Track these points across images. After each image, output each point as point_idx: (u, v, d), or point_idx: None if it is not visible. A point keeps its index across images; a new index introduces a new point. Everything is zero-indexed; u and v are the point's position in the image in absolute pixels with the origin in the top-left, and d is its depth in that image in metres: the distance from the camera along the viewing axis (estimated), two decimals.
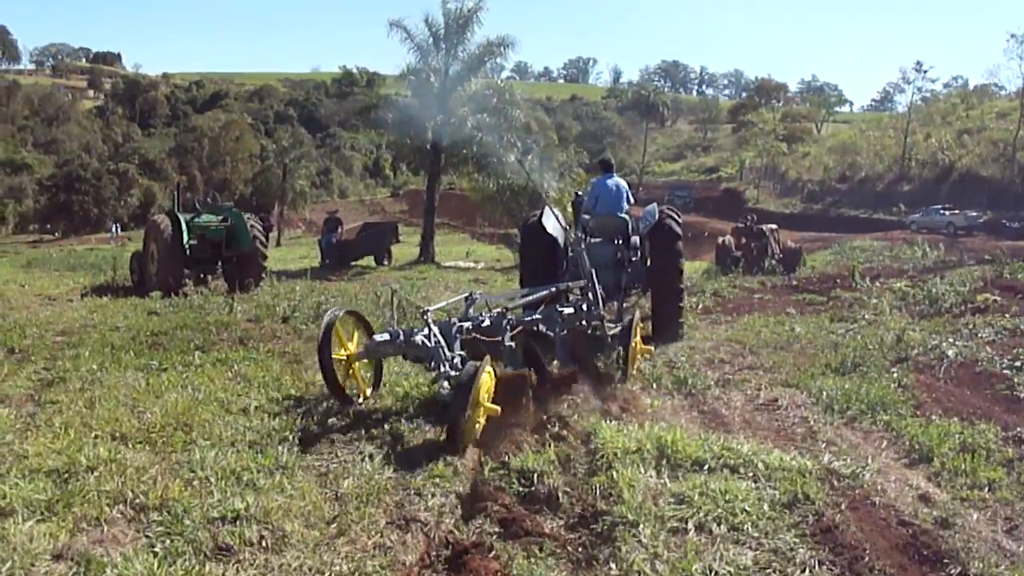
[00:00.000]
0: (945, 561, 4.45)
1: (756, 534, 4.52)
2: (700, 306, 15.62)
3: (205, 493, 4.73)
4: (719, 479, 5.22)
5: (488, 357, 6.32)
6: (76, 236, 56.07)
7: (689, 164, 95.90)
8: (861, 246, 31.11)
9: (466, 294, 7.95)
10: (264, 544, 4.21)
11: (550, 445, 6.00)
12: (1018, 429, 6.65)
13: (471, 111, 29.84)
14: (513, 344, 7.41)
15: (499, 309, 7.76)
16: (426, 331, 6.75)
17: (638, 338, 8.94)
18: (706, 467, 5.45)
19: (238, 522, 4.39)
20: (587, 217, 11.06)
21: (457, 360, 6.65)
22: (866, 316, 13.32)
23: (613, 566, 4.23)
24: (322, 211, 52.64)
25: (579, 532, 4.72)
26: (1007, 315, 11.97)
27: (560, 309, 8.34)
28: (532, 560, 4.34)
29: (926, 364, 9.24)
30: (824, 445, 6.38)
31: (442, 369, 6.46)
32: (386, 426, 6.17)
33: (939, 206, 44.80)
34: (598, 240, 11.46)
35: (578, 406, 7.17)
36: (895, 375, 8.66)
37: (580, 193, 11.64)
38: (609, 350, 8.78)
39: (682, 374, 8.90)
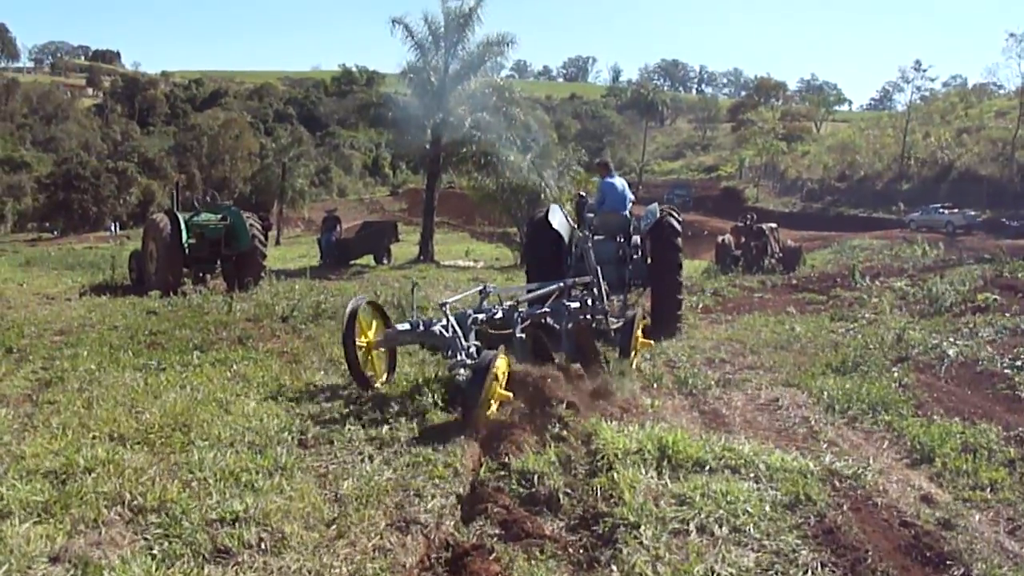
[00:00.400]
0: (948, 562, 4.42)
1: (758, 535, 4.50)
2: (700, 305, 15.61)
3: (204, 494, 4.70)
4: (720, 480, 5.20)
5: (503, 346, 6.94)
6: (75, 235, 56.01)
7: (688, 163, 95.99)
8: (861, 245, 31.13)
9: (480, 287, 8.47)
10: (263, 546, 4.18)
11: (550, 446, 5.99)
12: (1020, 429, 6.63)
13: (471, 110, 29.81)
14: (523, 336, 7.92)
15: (510, 302, 8.28)
16: (444, 322, 7.31)
17: (639, 332, 9.22)
18: (707, 468, 5.43)
19: (237, 524, 4.36)
20: (591, 215, 11.33)
21: (473, 349, 7.20)
22: (866, 315, 13.31)
23: (614, 568, 4.20)
24: (321, 210, 52.58)
25: (580, 534, 4.70)
26: (1007, 314, 11.95)
27: (567, 303, 8.82)
28: (533, 562, 4.32)
29: (927, 363, 9.22)
30: (825, 445, 6.36)
31: (459, 357, 7.00)
32: (386, 427, 6.14)
33: (938, 205, 44.83)
34: (601, 237, 11.74)
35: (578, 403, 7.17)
36: (896, 375, 8.64)
37: (583, 194, 11.93)
38: (612, 343, 9.19)
39: (683, 374, 8.89)
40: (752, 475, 5.34)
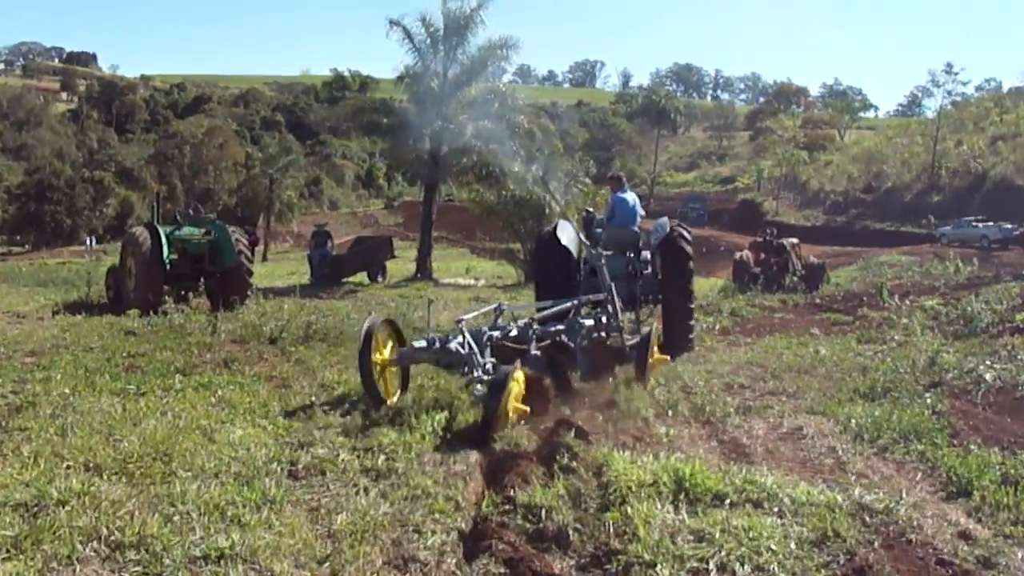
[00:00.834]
0: None
1: (783, 575, 4.47)
2: (717, 327, 15.61)
3: (186, 529, 4.69)
4: (741, 515, 5.18)
5: (519, 361, 7.60)
6: (47, 249, 56.19)
7: (703, 174, 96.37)
8: (888, 261, 31.15)
9: (494, 305, 9.10)
10: None
11: (559, 478, 5.96)
12: None
13: (471, 117, 29.93)
14: (539, 353, 8.54)
15: (524, 320, 8.92)
16: (460, 339, 7.84)
17: (655, 349, 9.78)
18: (727, 502, 5.41)
19: (222, 562, 4.34)
20: (600, 231, 11.60)
21: (489, 366, 7.76)
22: (896, 337, 13.29)
23: None
24: (311, 224, 52.71)
25: (591, 573, 4.68)
26: None
27: (581, 321, 9.44)
28: None
29: (962, 389, 9.20)
30: (854, 477, 6.33)
31: (476, 374, 7.58)
32: (382, 457, 6.13)
33: (972, 218, 44.81)
34: (610, 253, 12.03)
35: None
36: (929, 401, 8.61)
37: (590, 209, 12.26)
38: (627, 360, 9.58)
39: (700, 400, 8.88)
40: (776, 509, 5.32)
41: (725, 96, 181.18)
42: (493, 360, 7.95)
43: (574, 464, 6.32)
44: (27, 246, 59.78)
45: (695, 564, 4.56)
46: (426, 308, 10.01)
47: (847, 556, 4.72)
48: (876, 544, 4.95)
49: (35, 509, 4.89)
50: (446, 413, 7.33)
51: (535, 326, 8.82)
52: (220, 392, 8.20)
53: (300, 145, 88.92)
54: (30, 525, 4.66)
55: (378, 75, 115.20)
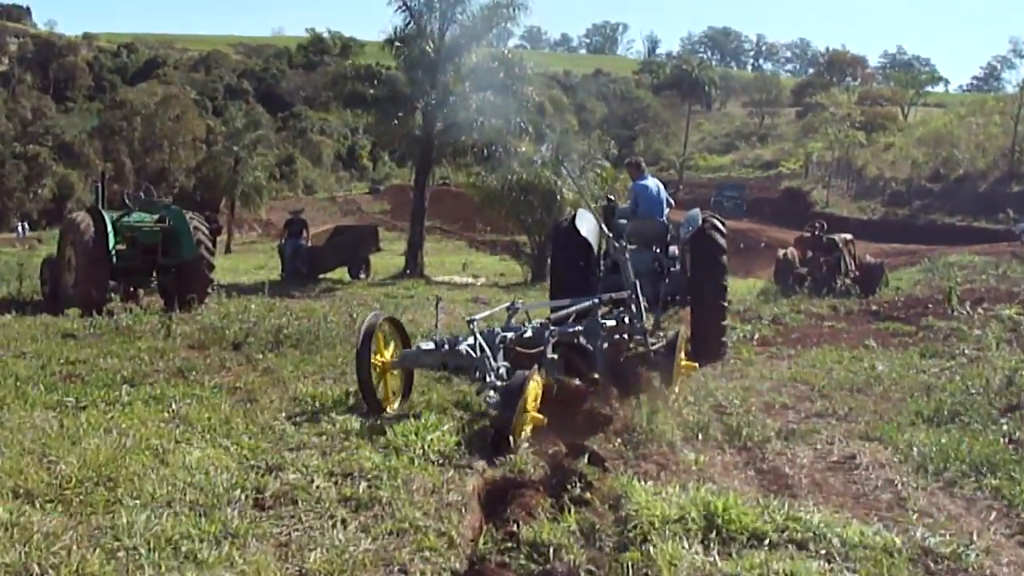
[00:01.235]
0: None
1: None
2: (756, 336, 15.61)
3: (133, 567, 4.69)
4: (783, 558, 5.17)
5: (536, 366, 7.92)
6: None
7: (742, 157, 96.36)
8: (959, 262, 31.04)
9: (507, 303, 9.53)
10: None
11: (569, 511, 5.96)
12: None
13: (472, 88, 29.94)
14: (555, 356, 8.82)
15: (541, 320, 9.43)
16: (471, 340, 8.17)
17: (682, 355, 10.19)
18: (766, 542, 5.41)
19: None
20: (623, 222, 11.82)
21: (503, 370, 8.06)
22: (966, 351, 13.26)
23: None
24: (283, 210, 52.77)
25: None
26: None
27: (602, 321, 9.70)
28: None
29: None
30: (916, 516, 6.32)
31: (488, 379, 7.82)
32: (363, 484, 6.13)
33: None
34: (634, 247, 12.17)
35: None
36: (1005, 427, 8.59)
37: (611, 197, 12.49)
38: (651, 366, 9.92)
39: (735, 422, 8.86)
40: (823, 552, 5.31)
41: (768, 66, 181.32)
42: (507, 364, 8.26)
43: (588, 495, 6.32)
44: None
45: None
46: (435, 308, 10.36)
47: None
48: None
49: None
50: (438, 433, 7.33)
51: (552, 327, 9.13)
52: (174, 406, 8.20)
53: (270, 118, 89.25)
54: None
55: (362, 37, 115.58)
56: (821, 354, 13.52)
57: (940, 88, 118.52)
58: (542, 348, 8.73)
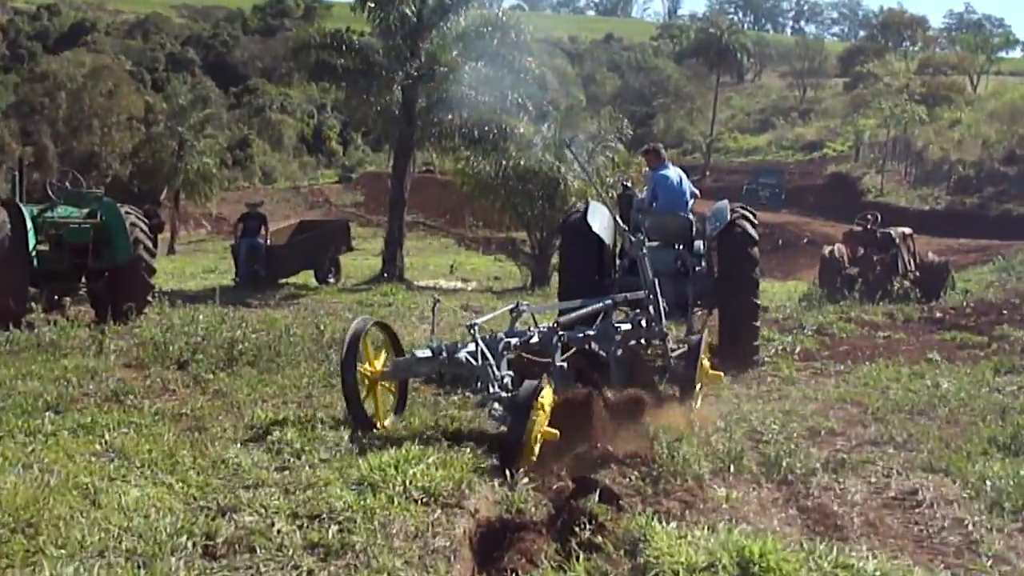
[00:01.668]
0: None
1: None
2: (798, 349, 15.61)
3: None
4: None
5: (546, 375, 8.35)
6: None
7: (780, 137, 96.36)
8: None
9: (511, 306, 9.83)
10: None
11: (578, 558, 5.96)
12: None
13: (460, 57, 29.92)
14: (565, 365, 9.33)
15: (548, 324, 9.77)
16: (472, 347, 8.56)
17: (706, 362, 10.56)
18: None
19: None
20: (640, 216, 12.11)
21: (507, 380, 8.46)
22: None
23: None
24: (237, 202, 52.75)
25: None
26: None
27: (616, 325, 10.25)
28: None
29: None
30: (990, 562, 6.33)
31: (491, 390, 8.25)
32: (334, 527, 6.13)
33: None
34: (655, 244, 12.72)
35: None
36: None
37: (628, 184, 12.75)
38: (672, 376, 10.59)
39: (773, 451, 8.85)
40: None
41: (811, 29, 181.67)
42: (511, 373, 8.63)
43: (599, 538, 6.32)
44: None
45: None
46: (432, 310, 10.48)
47: None
48: None
49: None
50: (422, 466, 7.32)
51: (560, 332, 9.56)
52: (107, 437, 8.20)
53: (221, 93, 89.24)
54: None
55: None
56: (875, 370, 13.51)
57: (1016, 53, 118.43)
58: (551, 355, 9.21)
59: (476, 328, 8.62)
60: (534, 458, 7.68)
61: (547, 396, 7.89)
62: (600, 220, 13.25)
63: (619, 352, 10.13)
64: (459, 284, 31.14)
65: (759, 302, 13.91)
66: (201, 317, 15.44)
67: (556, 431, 7.76)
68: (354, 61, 30.38)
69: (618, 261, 13.86)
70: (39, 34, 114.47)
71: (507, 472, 7.34)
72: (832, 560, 5.79)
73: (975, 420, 10.25)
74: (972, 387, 12.08)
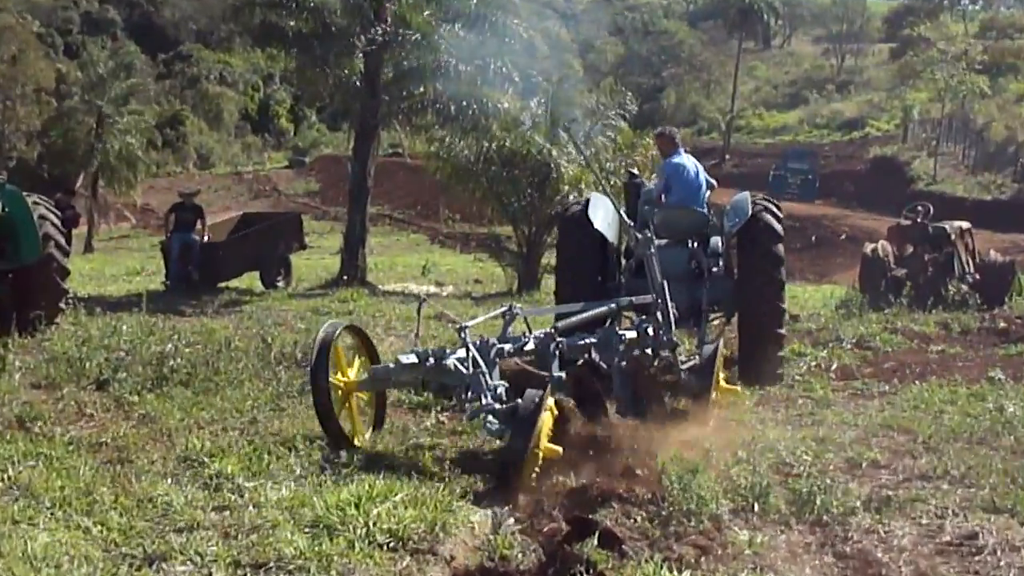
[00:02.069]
0: None
1: None
2: (835, 365, 15.63)
3: None
4: None
5: (550, 386, 8.67)
6: None
7: (813, 114, 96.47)
8: None
9: (504, 308, 10.25)
10: None
11: None
12: None
13: (433, 19, 29.90)
14: (563, 375, 9.56)
15: (545, 330, 10.20)
16: (463, 352, 8.90)
17: (721, 375, 11.00)
18: None
19: None
20: (648, 208, 12.83)
21: (501, 390, 8.75)
22: None
23: None
24: (168, 191, 52.67)
25: None
26: None
27: (621, 332, 10.54)
28: None
29: None
30: None
31: (483, 401, 8.54)
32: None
33: None
34: (664, 242, 12.98)
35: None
36: None
37: (635, 172, 12.87)
38: (683, 389, 10.69)
39: (805, 486, 8.86)
40: None
41: None
42: (504, 384, 8.92)
43: None
44: None
45: None
46: (417, 311, 10.75)
47: None
48: None
49: None
50: (388, 504, 7.31)
51: (558, 338, 9.89)
52: (12, 471, 8.17)
53: (148, 61, 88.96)
54: None
55: None
56: (927, 391, 13.51)
57: None
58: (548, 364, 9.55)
59: (467, 332, 8.97)
60: (534, 479, 7.95)
61: (552, 408, 8.28)
62: (603, 215, 13.44)
63: (623, 363, 10.27)
64: (432, 289, 31.07)
65: (785, 306, 14.16)
66: (125, 328, 15.42)
67: (559, 448, 8.09)
68: (307, 23, 30.29)
69: (623, 261, 14.07)
70: None
71: (505, 491, 7.67)
72: None
73: None
74: None
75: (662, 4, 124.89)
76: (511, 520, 7.37)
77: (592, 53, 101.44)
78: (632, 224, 12.20)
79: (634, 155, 29.26)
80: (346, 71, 31.05)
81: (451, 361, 8.89)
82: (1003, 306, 21.94)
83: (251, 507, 7.37)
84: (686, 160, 14.10)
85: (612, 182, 18.08)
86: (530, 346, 9.80)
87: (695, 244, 13.96)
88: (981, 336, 18.66)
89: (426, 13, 30.10)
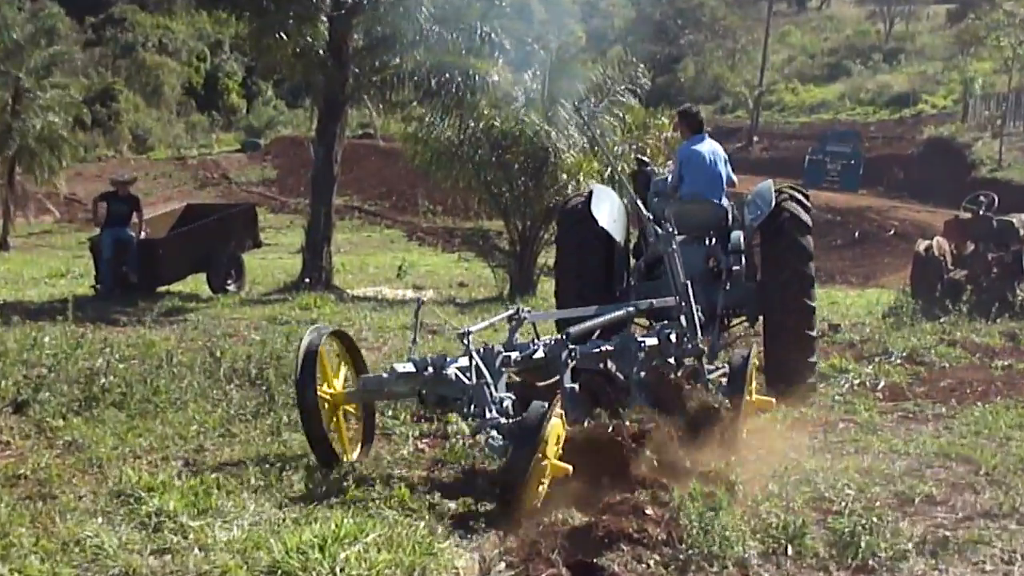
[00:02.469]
0: None
1: None
2: (882, 383, 15.64)
3: None
4: None
5: (558, 398, 8.70)
6: None
7: (857, 88, 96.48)
8: None
9: (510, 312, 10.57)
10: None
11: None
12: None
13: None
14: (576, 386, 9.82)
15: (555, 337, 10.36)
16: (465, 361, 9.12)
17: (753, 387, 11.16)
18: None
19: None
20: (659, 200, 13.08)
21: (508, 403, 9.00)
22: None
23: None
24: (98, 178, 52.67)
25: None
26: None
27: (640, 339, 10.69)
28: None
29: None
30: None
31: (488, 414, 8.76)
32: None
33: None
34: (680, 238, 12.71)
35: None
36: None
37: (645, 159, 12.92)
38: (708, 403, 10.51)
39: (847, 526, 8.87)
40: None
41: None
42: (511, 396, 9.15)
43: None
44: None
45: None
46: (415, 313, 10.77)
47: None
48: None
49: None
50: (358, 547, 7.32)
51: (571, 345, 9.90)
52: None
53: (74, 25, 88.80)
54: None
55: None
56: (990, 413, 13.50)
57: None
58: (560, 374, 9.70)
59: (470, 338, 9.16)
60: (539, 501, 8.10)
61: (559, 423, 8.35)
62: (608, 210, 13.52)
63: (642, 374, 10.40)
64: (410, 293, 30.99)
65: (815, 305, 14.13)
66: (47, 340, 15.44)
67: (568, 466, 8.20)
68: None
69: (633, 261, 14.19)
70: None
71: (504, 517, 7.83)
72: None
73: None
74: None
75: None
76: (502, 565, 7.35)
77: (597, 17, 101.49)
78: (651, 218, 12.31)
79: (646, 138, 29.26)
80: (308, 38, 31.01)
81: (452, 370, 9.07)
82: None
83: (197, 550, 7.35)
84: (704, 146, 14.16)
85: (620, 169, 17.98)
86: (539, 354, 9.93)
87: (712, 241, 14.10)
88: None
89: None
